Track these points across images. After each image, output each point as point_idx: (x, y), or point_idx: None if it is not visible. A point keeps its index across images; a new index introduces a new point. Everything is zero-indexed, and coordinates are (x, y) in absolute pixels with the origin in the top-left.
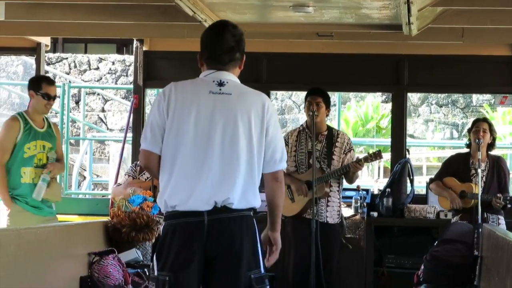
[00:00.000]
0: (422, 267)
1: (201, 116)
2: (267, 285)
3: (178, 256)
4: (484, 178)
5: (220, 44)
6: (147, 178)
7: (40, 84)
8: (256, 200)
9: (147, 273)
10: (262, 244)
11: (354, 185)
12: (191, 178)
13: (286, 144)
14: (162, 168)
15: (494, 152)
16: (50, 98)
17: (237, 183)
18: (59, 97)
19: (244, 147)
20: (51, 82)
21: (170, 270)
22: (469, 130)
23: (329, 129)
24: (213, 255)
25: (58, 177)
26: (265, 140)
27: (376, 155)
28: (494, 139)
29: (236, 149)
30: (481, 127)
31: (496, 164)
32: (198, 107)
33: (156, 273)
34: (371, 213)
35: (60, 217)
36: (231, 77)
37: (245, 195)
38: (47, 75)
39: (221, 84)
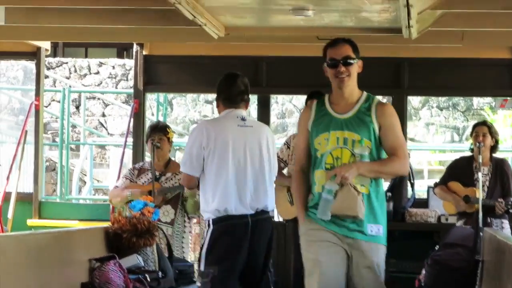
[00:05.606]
0: (424, 271)
1: (235, 144)
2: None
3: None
4: (487, 182)
5: (234, 88)
6: (144, 182)
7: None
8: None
9: (148, 279)
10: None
11: None
12: (235, 191)
13: (288, 147)
14: (208, 185)
15: (496, 155)
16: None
17: (268, 192)
18: (59, 102)
19: (266, 165)
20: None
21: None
22: (471, 135)
23: None
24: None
25: (58, 182)
26: (272, 159)
27: None
28: (496, 141)
29: (262, 167)
30: (480, 131)
31: (500, 167)
32: (233, 138)
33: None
34: None
35: (60, 223)
36: (245, 113)
37: (271, 201)
38: None
39: (243, 119)
